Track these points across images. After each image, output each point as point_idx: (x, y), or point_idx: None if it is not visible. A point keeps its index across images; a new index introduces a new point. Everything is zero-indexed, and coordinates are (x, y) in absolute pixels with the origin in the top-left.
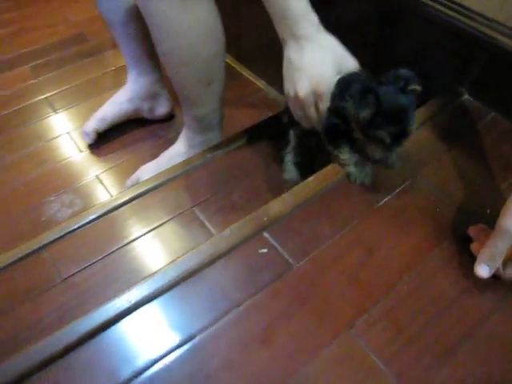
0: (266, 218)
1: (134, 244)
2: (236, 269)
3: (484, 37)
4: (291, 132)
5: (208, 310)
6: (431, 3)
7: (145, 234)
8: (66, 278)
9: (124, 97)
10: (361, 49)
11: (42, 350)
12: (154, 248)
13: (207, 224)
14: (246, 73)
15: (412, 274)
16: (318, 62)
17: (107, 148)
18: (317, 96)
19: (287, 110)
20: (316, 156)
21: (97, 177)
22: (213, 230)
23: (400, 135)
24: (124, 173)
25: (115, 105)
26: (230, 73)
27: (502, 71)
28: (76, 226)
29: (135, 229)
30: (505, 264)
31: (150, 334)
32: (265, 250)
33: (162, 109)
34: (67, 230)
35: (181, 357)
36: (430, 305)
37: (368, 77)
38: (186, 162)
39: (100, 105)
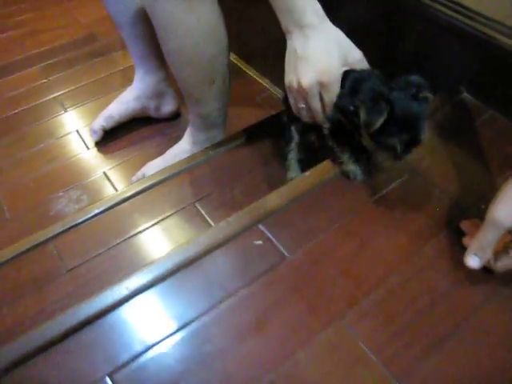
0: (262, 211)
1: (137, 237)
2: (232, 259)
3: (482, 35)
4: (292, 129)
5: (203, 298)
6: (430, 3)
7: (148, 228)
8: (71, 269)
9: (131, 95)
10: (362, 48)
11: (42, 334)
12: (156, 241)
13: (208, 218)
14: (251, 72)
15: (404, 266)
16: (323, 51)
17: (114, 146)
18: (321, 87)
19: (287, 107)
20: (318, 152)
21: (104, 173)
22: (213, 224)
23: (411, 143)
24: (130, 170)
25: (122, 103)
26: (235, 72)
27: (500, 69)
28: (81, 220)
29: (138, 222)
30: (496, 256)
31: (147, 320)
32: (260, 242)
33: (168, 107)
34: (73, 224)
35: (176, 343)
36: (420, 296)
37: (378, 78)
38: (189, 158)
39: (108, 103)
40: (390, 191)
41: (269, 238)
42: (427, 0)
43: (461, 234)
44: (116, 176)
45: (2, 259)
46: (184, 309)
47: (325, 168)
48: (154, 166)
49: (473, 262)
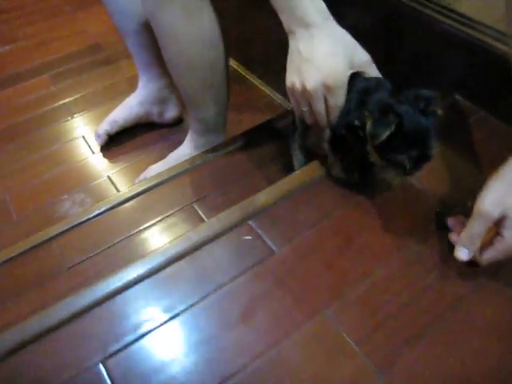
0: (251, 208)
1: (137, 236)
2: (221, 254)
3: (472, 39)
4: (297, 118)
5: (193, 290)
6: (420, 8)
7: (147, 227)
8: (72, 267)
9: (135, 101)
10: None
11: (37, 323)
12: (154, 240)
13: (205, 218)
14: (253, 79)
15: (389, 260)
16: (328, 53)
17: (118, 151)
18: (326, 90)
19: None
20: None
21: (108, 177)
22: None
23: (421, 159)
24: (134, 174)
25: (126, 108)
26: (236, 78)
27: (490, 72)
28: (84, 219)
29: (138, 222)
30: (481, 249)
31: (139, 311)
32: (249, 237)
33: (170, 113)
34: (75, 223)
35: (166, 332)
36: (404, 289)
37: (386, 89)
38: (189, 161)
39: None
40: (377, 189)
41: (258, 234)
42: (420, 6)
43: (447, 230)
44: (119, 179)
45: (8, 256)
46: (175, 300)
47: (313, 167)
48: (156, 170)
49: (462, 254)
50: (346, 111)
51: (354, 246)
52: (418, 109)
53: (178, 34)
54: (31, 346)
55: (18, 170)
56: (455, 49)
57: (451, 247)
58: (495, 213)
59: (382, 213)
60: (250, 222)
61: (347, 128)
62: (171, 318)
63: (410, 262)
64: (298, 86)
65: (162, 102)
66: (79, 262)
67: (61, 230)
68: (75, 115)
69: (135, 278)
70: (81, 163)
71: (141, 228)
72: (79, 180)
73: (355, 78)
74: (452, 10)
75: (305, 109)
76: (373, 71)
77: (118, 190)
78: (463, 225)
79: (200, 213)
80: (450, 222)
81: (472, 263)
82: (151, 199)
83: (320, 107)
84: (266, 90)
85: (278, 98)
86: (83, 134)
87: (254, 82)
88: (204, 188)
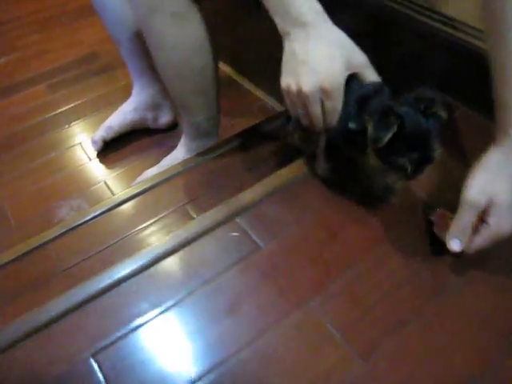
0: (238, 205)
1: (130, 238)
2: (209, 250)
3: (446, 36)
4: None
5: (181, 286)
6: (403, 8)
7: (140, 229)
8: (67, 269)
9: (129, 107)
10: None
11: (31, 320)
12: (147, 240)
13: None
14: (246, 84)
15: (371, 253)
16: (325, 55)
17: (114, 156)
18: (323, 92)
19: None
20: None
21: (104, 182)
22: None
23: (423, 162)
24: (130, 178)
25: (121, 114)
26: (230, 83)
27: (470, 69)
28: (79, 223)
29: (132, 225)
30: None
31: (128, 306)
32: (236, 234)
33: (165, 118)
34: (71, 227)
35: (156, 326)
36: (385, 281)
37: (385, 93)
38: (181, 163)
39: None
40: (373, 197)
41: (244, 230)
42: (401, 6)
43: (430, 223)
44: (116, 184)
45: (6, 260)
46: (163, 296)
47: (298, 165)
48: (151, 174)
49: (455, 245)
50: (344, 117)
51: (337, 240)
52: (419, 110)
53: (168, 41)
54: (23, 342)
55: (16, 178)
56: (438, 48)
57: (433, 239)
58: (482, 201)
59: (364, 207)
60: (236, 219)
61: (346, 134)
62: (160, 313)
63: (391, 254)
64: (293, 88)
65: (155, 107)
66: (75, 264)
67: (56, 234)
68: (72, 123)
69: (125, 275)
70: (78, 170)
71: (134, 230)
72: (76, 186)
73: (352, 81)
74: (432, 10)
75: (301, 111)
76: (370, 73)
77: (113, 195)
78: (447, 218)
79: (191, 213)
80: (435, 216)
81: (458, 253)
82: (145, 202)
83: (316, 110)
84: (260, 94)
85: (271, 101)
86: (80, 142)
87: (248, 86)
88: (196, 190)
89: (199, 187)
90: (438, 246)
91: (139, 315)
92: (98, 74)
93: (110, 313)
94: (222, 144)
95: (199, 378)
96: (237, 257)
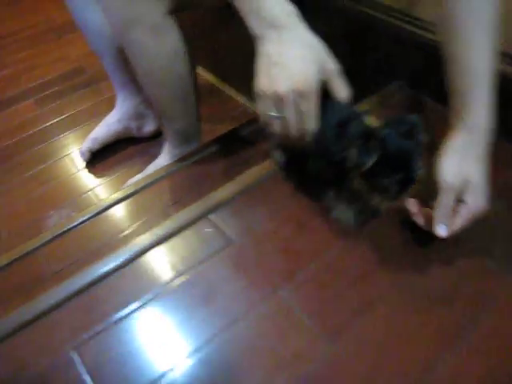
0: (211, 203)
1: (116, 241)
2: (184, 246)
3: (419, 38)
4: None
5: (158, 280)
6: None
7: (125, 232)
8: (56, 273)
9: (113, 118)
10: None
11: (18, 317)
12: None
13: None
14: (227, 90)
15: (338, 242)
16: (299, 57)
17: (102, 166)
18: (298, 94)
19: None
20: None
21: (92, 191)
22: None
23: (406, 182)
24: (117, 187)
25: (106, 126)
26: (211, 90)
27: (430, 62)
28: (66, 229)
29: (117, 228)
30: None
31: (108, 302)
32: (210, 230)
33: (148, 127)
34: (58, 233)
35: (134, 320)
36: (351, 267)
37: (362, 118)
38: (164, 168)
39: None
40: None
41: (218, 226)
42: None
43: (398, 215)
44: (103, 193)
45: None
46: (142, 290)
47: (267, 163)
48: None
49: (442, 231)
50: (324, 143)
51: (306, 232)
52: (400, 132)
53: (148, 52)
54: (8, 339)
55: (7, 191)
56: (402, 46)
57: (396, 229)
58: (457, 182)
59: None
60: (210, 216)
61: (328, 159)
62: (140, 306)
63: (358, 243)
64: (267, 89)
65: (139, 117)
66: (63, 267)
67: (45, 240)
68: (60, 136)
69: (106, 272)
70: (67, 180)
71: (118, 233)
72: (65, 196)
73: (327, 103)
74: (396, 10)
75: (273, 114)
76: (340, 82)
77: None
78: (422, 204)
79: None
80: (410, 203)
81: (417, 241)
82: (130, 206)
83: (291, 112)
84: (241, 100)
85: (252, 107)
86: (69, 153)
87: (229, 92)
88: (178, 193)
89: (181, 190)
90: (419, 234)
91: (119, 309)
92: (84, 88)
93: (91, 308)
94: (202, 148)
95: (176, 367)
96: (211, 251)
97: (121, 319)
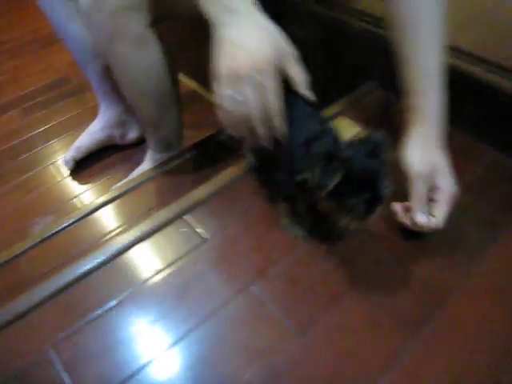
0: (186, 204)
1: (98, 244)
2: (160, 245)
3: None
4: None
5: (135, 279)
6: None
7: (106, 235)
8: (39, 277)
9: (96, 127)
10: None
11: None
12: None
13: None
14: (210, 96)
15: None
16: (256, 38)
17: (86, 173)
18: (258, 72)
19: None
20: None
21: (77, 198)
22: None
23: (374, 202)
24: (101, 193)
25: (89, 134)
26: (194, 97)
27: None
28: (49, 234)
29: (99, 232)
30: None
31: (87, 300)
32: (185, 229)
33: (132, 134)
34: (42, 238)
35: (112, 317)
36: (321, 262)
37: (330, 135)
38: (145, 173)
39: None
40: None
41: (192, 226)
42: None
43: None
44: (88, 199)
45: None
46: (120, 288)
47: (239, 165)
48: None
49: (422, 218)
50: (291, 162)
51: (277, 230)
52: (365, 152)
53: (131, 64)
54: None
55: None
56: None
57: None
58: (426, 170)
59: None
60: (185, 217)
61: (296, 180)
62: (117, 305)
63: None
64: (228, 71)
65: (122, 125)
66: (46, 272)
67: (29, 245)
68: (45, 144)
69: (84, 272)
70: (52, 188)
71: (100, 238)
72: (50, 204)
73: (292, 103)
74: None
75: (231, 94)
76: (297, 66)
77: None
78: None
79: None
80: (395, 206)
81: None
82: (113, 209)
83: (252, 93)
84: None
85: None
86: (53, 161)
87: (211, 98)
88: (159, 196)
89: (162, 194)
90: (406, 231)
91: (97, 307)
92: (68, 97)
93: (69, 307)
94: (182, 153)
95: (153, 361)
96: (185, 250)
97: (98, 317)
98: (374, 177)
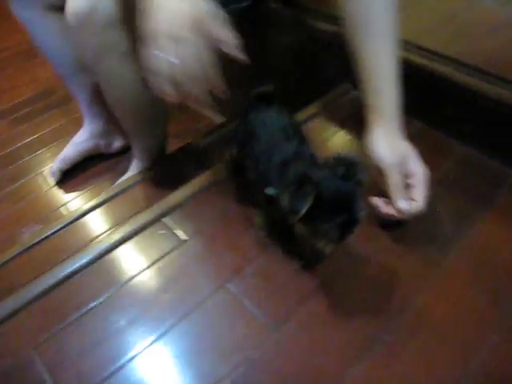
0: (165, 207)
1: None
2: (140, 247)
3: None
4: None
5: (116, 279)
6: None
7: (94, 240)
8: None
9: (81, 138)
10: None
11: None
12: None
13: None
14: (194, 106)
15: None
16: (188, 1)
17: (73, 182)
18: (179, 28)
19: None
20: None
21: (64, 207)
22: None
23: (349, 224)
24: (87, 202)
25: (74, 145)
26: (180, 107)
27: None
28: (37, 241)
29: (86, 237)
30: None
31: (69, 302)
32: (163, 232)
33: (117, 144)
34: (30, 245)
35: (94, 315)
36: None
37: (304, 157)
38: (127, 181)
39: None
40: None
41: (170, 228)
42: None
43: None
44: (75, 208)
45: None
46: (100, 289)
47: (216, 169)
48: None
49: (404, 204)
50: (265, 185)
51: (251, 230)
52: (338, 174)
53: (119, 78)
54: None
55: None
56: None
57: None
58: (397, 160)
59: None
60: (164, 219)
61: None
62: (99, 304)
63: None
64: (158, 31)
65: (107, 135)
66: (36, 276)
67: (17, 252)
68: (31, 155)
69: (67, 274)
70: (38, 198)
71: (83, 245)
72: (37, 213)
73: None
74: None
75: (170, 58)
76: (222, 27)
77: None
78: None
79: None
80: (373, 200)
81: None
82: (100, 215)
83: (180, 51)
84: (208, 114)
85: (217, 119)
86: (40, 171)
87: (196, 108)
88: (141, 202)
89: (148, 198)
90: (385, 222)
91: (79, 308)
92: (53, 108)
93: (52, 309)
94: (165, 158)
95: (134, 359)
96: (163, 251)
97: (80, 317)
98: (350, 199)
